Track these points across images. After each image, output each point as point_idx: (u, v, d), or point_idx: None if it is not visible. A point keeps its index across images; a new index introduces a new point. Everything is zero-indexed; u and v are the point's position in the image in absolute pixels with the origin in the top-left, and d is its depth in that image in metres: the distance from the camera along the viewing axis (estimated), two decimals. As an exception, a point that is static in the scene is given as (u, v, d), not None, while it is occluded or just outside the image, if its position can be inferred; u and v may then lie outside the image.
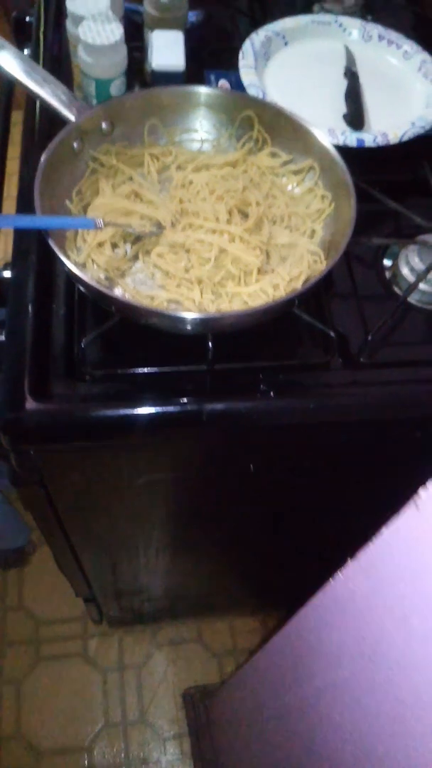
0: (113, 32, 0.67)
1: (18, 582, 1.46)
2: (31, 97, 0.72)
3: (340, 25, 0.83)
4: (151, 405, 0.58)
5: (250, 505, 0.80)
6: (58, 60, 0.83)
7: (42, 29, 0.87)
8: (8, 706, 1.33)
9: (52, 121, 0.76)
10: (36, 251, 0.65)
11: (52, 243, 0.54)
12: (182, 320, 0.54)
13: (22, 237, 0.67)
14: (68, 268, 0.54)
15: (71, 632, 1.42)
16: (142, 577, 1.06)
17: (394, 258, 0.72)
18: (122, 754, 1.31)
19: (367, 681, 0.34)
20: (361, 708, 0.34)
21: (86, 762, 1.29)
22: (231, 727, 0.96)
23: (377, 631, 0.32)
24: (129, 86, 0.74)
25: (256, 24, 0.91)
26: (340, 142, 0.70)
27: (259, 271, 0.60)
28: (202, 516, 0.83)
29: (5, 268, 0.72)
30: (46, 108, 0.65)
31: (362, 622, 0.34)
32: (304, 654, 0.46)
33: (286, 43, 0.81)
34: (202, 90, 0.67)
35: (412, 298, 0.68)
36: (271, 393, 0.59)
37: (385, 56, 0.81)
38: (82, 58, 0.69)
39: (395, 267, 0.71)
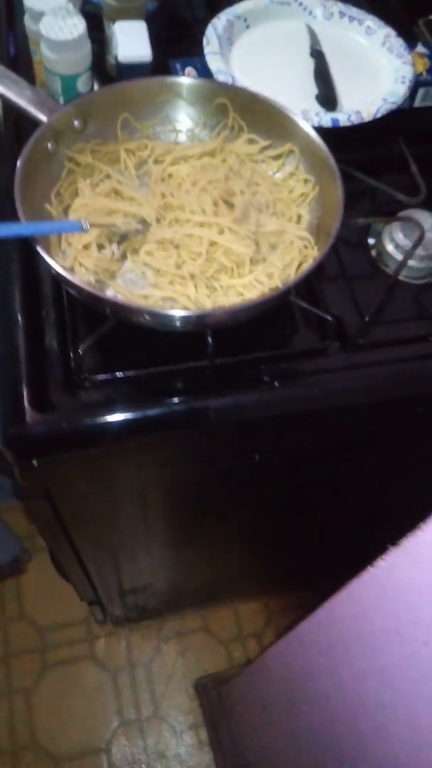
0: (76, 26, 0.66)
1: (16, 592, 1.45)
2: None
3: (300, 4, 0.82)
4: (156, 406, 0.57)
5: (255, 494, 0.80)
6: (14, 59, 0.81)
7: (-6, 27, 0.84)
8: (21, 717, 1.32)
9: (17, 124, 0.74)
10: (18, 259, 0.63)
11: (41, 250, 0.53)
12: (182, 318, 0.53)
13: None
14: (60, 274, 0.53)
15: (76, 636, 1.41)
16: (147, 574, 1.05)
17: (377, 236, 0.72)
18: (140, 751, 1.31)
19: (421, 664, 0.34)
20: (416, 691, 0.35)
21: (105, 763, 1.30)
22: (251, 713, 0.97)
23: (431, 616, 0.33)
24: (95, 81, 0.72)
25: (211, 8, 0.90)
26: (315, 124, 0.70)
27: (251, 260, 0.60)
28: (208, 508, 0.83)
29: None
30: (13, 109, 0.63)
31: (412, 607, 0.35)
32: (340, 640, 0.47)
33: (248, 26, 0.80)
34: (173, 80, 0.65)
35: (400, 275, 0.68)
36: (276, 383, 0.59)
37: (349, 33, 0.81)
38: (45, 54, 0.67)
39: (379, 245, 0.71)
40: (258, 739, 0.95)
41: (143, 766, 1.30)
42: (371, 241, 0.73)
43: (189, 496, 0.78)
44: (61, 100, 0.70)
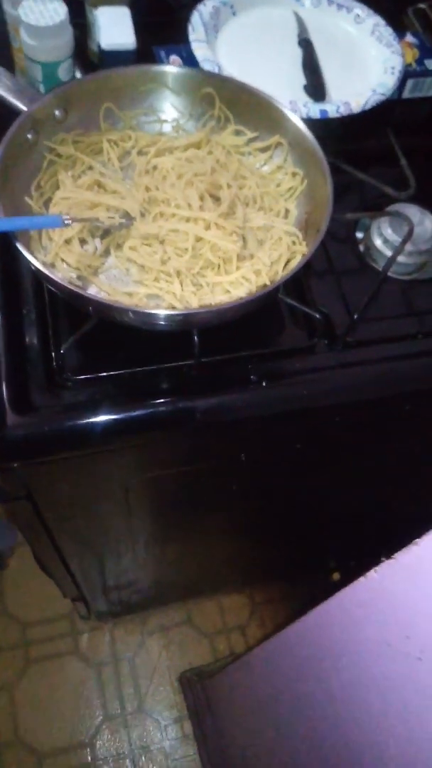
0: (57, 11, 0.63)
1: (-2, 587, 1.43)
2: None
3: (288, -10, 0.80)
4: (142, 407, 0.56)
5: (240, 490, 0.79)
6: (-7, 44, 0.78)
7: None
8: (4, 713, 1.31)
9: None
10: (-2, 254, 0.61)
11: (20, 246, 0.51)
12: (168, 317, 0.52)
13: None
14: (41, 272, 0.51)
15: (60, 631, 1.40)
16: (131, 571, 1.04)
17: (365, 230, 0.71)
18: (125, 745, 1.31)
19: (415, 679, 0.33)
20: (411, 705, 0.34)
21: (89, 757, 1.29)
22: (235, 709, 0.96)
23: (426, 633, 0.32)
24: (76, 68, 0.69)
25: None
26: (303, 115, 0.68)
27: (238, 257, 0.58)
28: (192, 504, 0.82)
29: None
30: (-8, 98, 0.61)
31: (405, 622, 0.34)
32: (328, 647, 0.46)
33: (234, 13, 0.78)
34: (158, 69, 0.63)
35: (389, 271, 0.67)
36: (263, 383, 0.57)
37: (337, 21, 0.79)
38: (25, 41, 0.64)
39: (368, 239, 0.70)
40: (242, 734, 0.95)
41: (128, 759, 1.30)
42: (359, 235, 0.72)
43: (173, 494, 0.76)
44: (42, 88, 0.68)
